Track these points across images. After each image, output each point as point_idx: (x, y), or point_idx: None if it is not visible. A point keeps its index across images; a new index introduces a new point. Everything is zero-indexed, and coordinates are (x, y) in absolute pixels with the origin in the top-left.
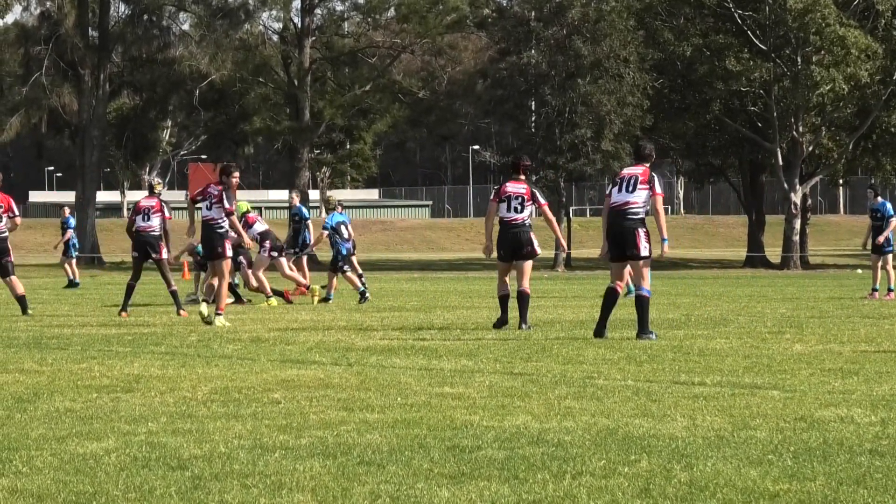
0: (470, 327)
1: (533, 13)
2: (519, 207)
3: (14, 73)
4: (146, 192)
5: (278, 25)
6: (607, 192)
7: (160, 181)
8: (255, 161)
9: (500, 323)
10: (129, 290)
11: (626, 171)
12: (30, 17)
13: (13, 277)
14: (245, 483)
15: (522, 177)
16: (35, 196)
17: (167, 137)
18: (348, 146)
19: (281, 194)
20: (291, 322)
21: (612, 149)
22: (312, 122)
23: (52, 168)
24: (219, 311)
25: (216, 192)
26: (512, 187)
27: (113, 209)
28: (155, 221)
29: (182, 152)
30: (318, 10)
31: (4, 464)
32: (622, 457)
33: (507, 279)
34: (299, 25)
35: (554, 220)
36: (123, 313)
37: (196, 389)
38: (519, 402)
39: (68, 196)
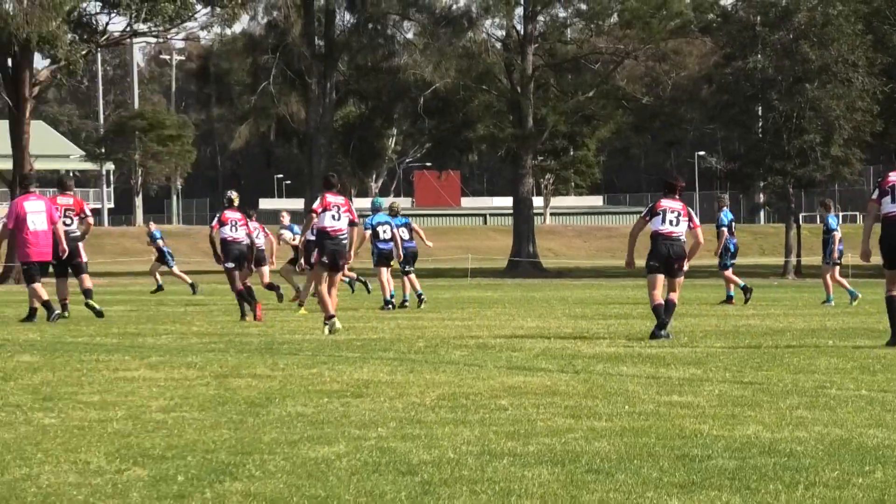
0: (698, 335)
1: (758, 18)
2: (675, 220)
3: (243, 83)
4: (239, 206)
5: (501, 33)
6: (874, 196)
7: (237, 194)
8: (479, 168)
9: (660, 328)
10: (241, 297)
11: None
12: (257, 27)
13: (84, 276)
14: (474, 489)
15: (677, 196)
16: (265, 203)
17: (392, 145)
18: (572, 153)
19: (505, 201)
20: (517, 329)
21: (842, 154)
22: (536, 128)
23: (280, 176)
24: (331, 316)
25: (343, 202)
26: (667, 202)
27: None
28: (241, 233)
29: (407, 160)
30: (540, 17)
31: (238, 468)
32: (856, 467)
33: (658, 290)
34: (522, 32)
35: (700, 245)
36: (248, 318)
37: (424, 395)
38: (749, 411)
39: (297, 203)
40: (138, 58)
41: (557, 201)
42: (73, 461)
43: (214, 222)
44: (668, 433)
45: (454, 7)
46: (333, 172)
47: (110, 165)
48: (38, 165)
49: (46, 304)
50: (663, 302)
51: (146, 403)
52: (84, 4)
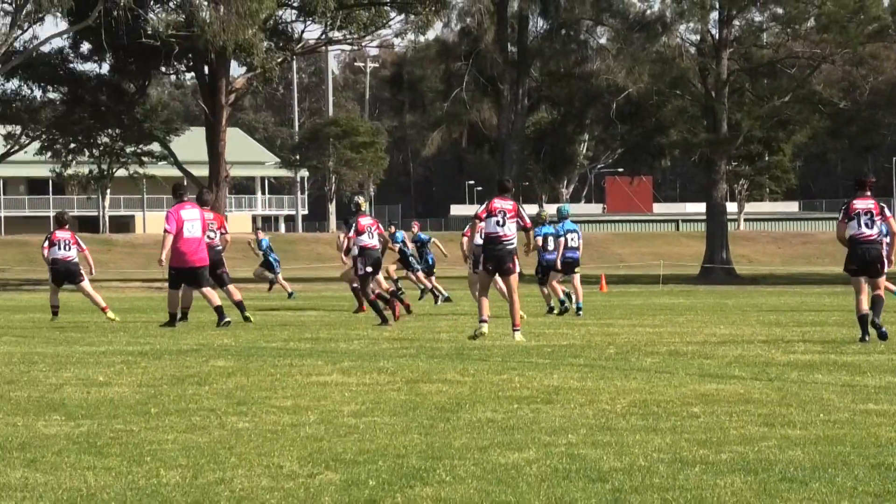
0: (895, 343)
1: None
2: (868, 223)
3: (435, 89)
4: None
5: (696, 37)
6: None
7: (364, 199)
8: (672, 173)
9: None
10: (375, 306)
11: None
12: (450, 34)
13: (230, 286)
14: (665, 497)
15: (868, 192)
16: (456, 209)
17: (584, 151)
18: (766, 158)
19: (698, 207)
20: (710, 336)
21: None
22: (730, 133)
23: (472, 182)
24: (515, 327)
25: (511, 207)
26: (860, 203)
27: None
28: (376, 239)
29: (599, 165)
30: (735, 22)
31: (429, 472)
32: None
33: (864, 295)
34: (717, 37)
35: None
36: (391, 323)
37: (615, 402)
38: None
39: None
40: (333, 65)
41: (752, 207)
42: (266, 465)
43: (352, 233)
44: (864, 442)
45: (648, 12)
46: (508, 177)
47: (304, 172)
48: (234, 172)
49: (179, 314)
50: (868, 312)
51: (338, 408)
52: (280, 12)
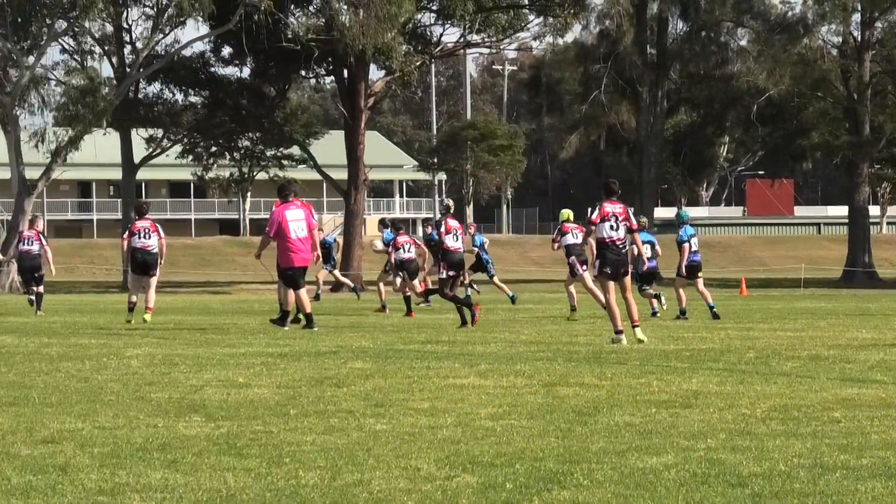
0: None
1: None
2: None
3: (573, 92)
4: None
5: (837, 39)
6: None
7: (452, 202)
8: (813, 176)
9: None
10: (455, 298)
11: None
12: (589, 36)
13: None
14: (805, 503)
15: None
16: None
17: (724, 153)
18: None
19: (840, 210)
20: (851, 340)
21: None
22: (872, 136)
23: None
24: (635, 324)
25: (621, 210)
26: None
27: (669, 225)
28: (460, 242)
29: (739, 168)
30: (878, 24)
31: (566, 476)
32: None
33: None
34: (859, 39)
35: None
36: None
37: (755, 406)
38: None
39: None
40: (471, 68)
41: (895, 210)
42: (404, 467)
43: (442, 229)
44: None
45: (789, 13)
46: (615, 180)
47: (442, 175)
48: (373, 175)
49: (285, 314)
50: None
51: (475, 411)
52: (419, 16)
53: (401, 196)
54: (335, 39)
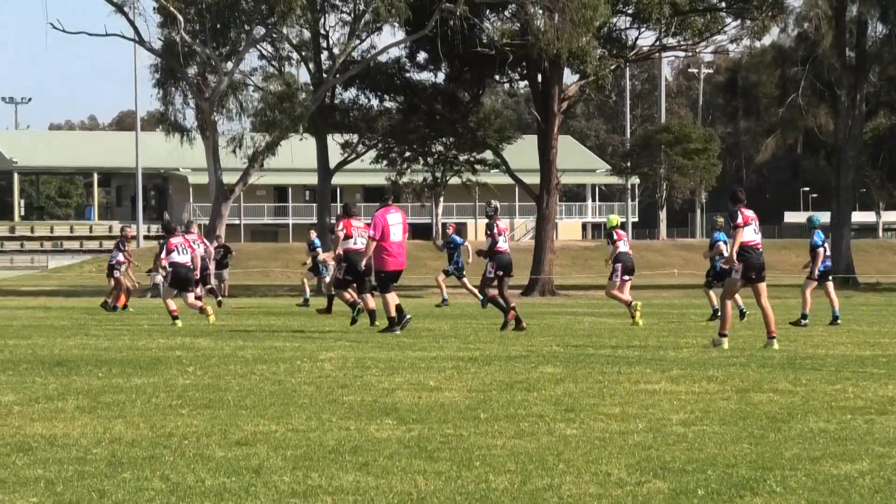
0: None
1: None
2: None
3: (770, 95)
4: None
5: None
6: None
7: (498, 203)
8: None
9: None
10: (495, 300)
11: None
12: (787, 39)
13: (367, 295)
14: None
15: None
16: (790, 217)
17: None
18: None
19: None
20: None
21: None
22: None
23: (807, 189)
24: (771, 335)
25: (755, 215)
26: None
27: (868, 229)
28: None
29: None
30: None
31: (759, 483)
32: None
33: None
34: None
35: None
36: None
37: None
38: None
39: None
40: (666, 71)
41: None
42: (594, 472)
43: (494, 231)
44: None
45: None
46: (741, 188)
47: (635, 179)
48: (565, 179)
49: (370, 313)
50: None
51: (667, 416)
52: (614, 20)
53: (593, 200)
54: (530, 44)
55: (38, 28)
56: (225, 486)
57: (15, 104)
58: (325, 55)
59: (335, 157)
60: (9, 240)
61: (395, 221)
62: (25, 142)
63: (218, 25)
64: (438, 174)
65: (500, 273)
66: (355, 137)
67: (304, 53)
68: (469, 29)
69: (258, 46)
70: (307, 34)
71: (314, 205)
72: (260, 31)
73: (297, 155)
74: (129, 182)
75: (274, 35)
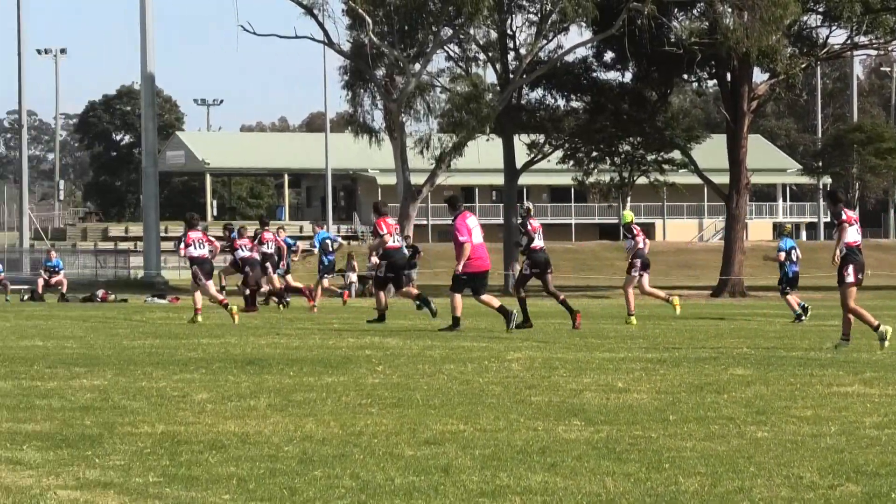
0: None
1: None
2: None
3: None
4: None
5: None
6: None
7: (531, 204)
8: None
9: None
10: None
11: None
12: None
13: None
14: None
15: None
16: None
17: None
18: None
19: None
20: None
21: None
22: None
23: None
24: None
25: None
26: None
27: None
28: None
29: None
30: None
31: None
32: None
33: None
34: None
35: None
36: None
37: None
38: None
39: None
40: (858, 70)
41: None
42: (786, 475)
43: (528, 228)
44: None
45: None
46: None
47: (827, 179)
48: (755, 179)
49: (501, 310)
50: None
51: (860, 419)
52: (804, 18)
53: (784, 200)
54: (718, 43)
55: (229, 31)
56: (414, 484)
57: (207, 106)
58: (511, 55)
59: (521, 157)
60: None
61: (475, 224)
62: (217, 143)
63: (406, 27)
64: (625, 174)
65: (536, 271)
66: (542, 138)
67: (490, 54)
68: (657, 28)
69: (445, 47)
70: (494, 35)
71: (500, 205)
72: (447, 32)
73: (483, 155)
74: (318, 183)
75: (461, 36)
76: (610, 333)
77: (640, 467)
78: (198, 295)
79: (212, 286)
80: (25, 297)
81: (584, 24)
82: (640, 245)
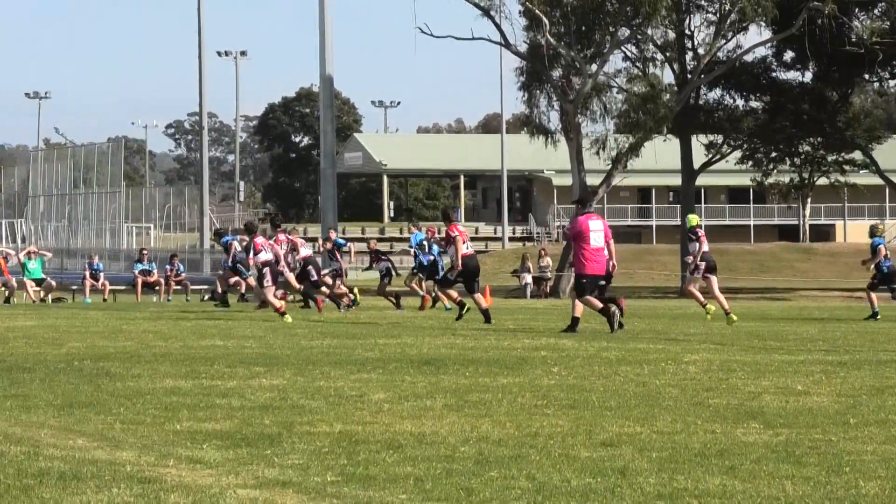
0: None
1: None
2: None
3: None
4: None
5: None
6: None
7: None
8: None
9: None
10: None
11: None
12: None
13: (478, 294)
14: None
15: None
16: None
17: None
18: None
19: None
20: None
21: None
22: None
23: None
24: None
25: None
26: None
27: None
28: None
29: None
30: None
31: None
32: None
33: None
34: None
35: None
36: None
37: None
38: None
39: None
40: None
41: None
42: None
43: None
44: None
45: None
46: None
47: None
48: None
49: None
50: None
51: None
52: None
53: None
54: None
55: (406, 33)
56: (590, 486)
57: (384, 108)
58: (689, 55)
59: (699, 157)
60: (379, 241)
61: (596, 228)
62: (394, 145)
63: (582, 27)
64: (805, 175)
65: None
66: (720, 138)
67: (668, 54)
68: (837, 27)
69: (622, 48)
70: (672, 35)
71: (678, 206)
72: (624, 32)
73: (660, 156)
74: (494, 184)
75: (638, 36)
76: (789, 336)
77: (820, 471)
78: (275, 294)
79: (271, 290)
80: (206, 297)
81: (763, 24)
82: (705, 248)
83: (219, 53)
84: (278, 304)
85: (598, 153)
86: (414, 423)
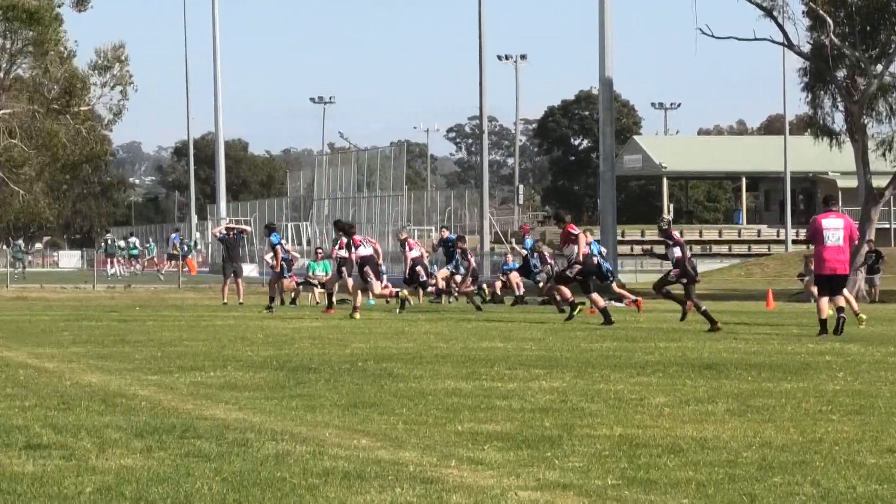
0: None
1: None
2: None
3: None
4: None
5: None
6: None
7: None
8: None
9: None
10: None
11: None
12: None
13: (595, 294)
14: None
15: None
16: None
17: None
18: None
19: None
20: None
21: None
22: None
23: None
24: None
25: None
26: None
27: None
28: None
29: None
30: None
31: None
32: None
33: None
34: None
35: None
36: None
37: None
38: None
39: None
40: None
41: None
42: None
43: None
44: None
45: None
46: None
47: None
48: None
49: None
50: None
51: None
52: None
53: None
54: None
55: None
56: (876, 493)
57: (664, 110)
58: None
59: None
60: (656, 244)
61: (833, 226)
62: (674, 147)
63: (867, 27)
64: None
65: (685, 280)
66: None
67: None
68: None
69: None
70: None
71: None
72: None
73: None
74: (776, 186)
75: None
76: None
77: None
78: (359, 294)
79: (378, 285)
80: (486, 299)
81: None
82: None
83: (499, 57)
84: (387, 291)
85: (884, 155)
86: (695, 428)
